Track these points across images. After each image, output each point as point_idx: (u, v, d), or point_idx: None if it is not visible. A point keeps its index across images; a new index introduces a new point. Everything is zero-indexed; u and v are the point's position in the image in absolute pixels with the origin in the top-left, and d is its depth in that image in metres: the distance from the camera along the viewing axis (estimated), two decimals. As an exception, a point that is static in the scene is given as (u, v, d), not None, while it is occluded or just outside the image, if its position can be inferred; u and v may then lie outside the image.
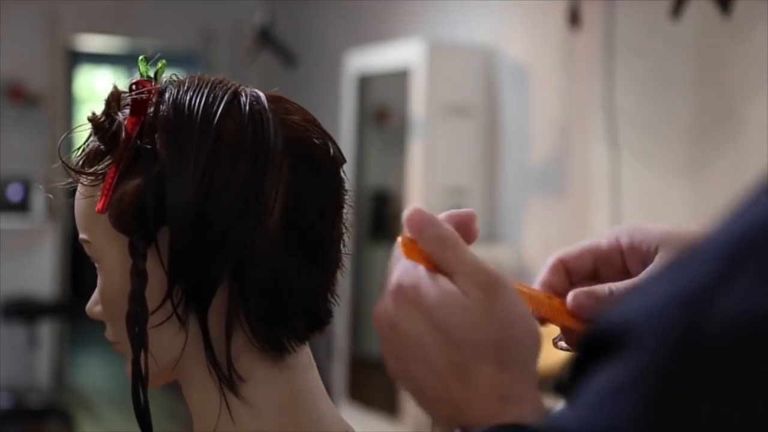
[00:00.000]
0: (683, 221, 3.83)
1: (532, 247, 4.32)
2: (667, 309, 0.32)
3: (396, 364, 0.62)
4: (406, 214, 0.63)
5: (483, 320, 0.60)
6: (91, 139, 0.78)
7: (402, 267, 0.62)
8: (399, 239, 0.64)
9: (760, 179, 0.35)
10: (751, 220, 0.33)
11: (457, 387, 0.59)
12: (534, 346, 0.61)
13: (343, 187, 0.79)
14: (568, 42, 4.01)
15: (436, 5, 5.02)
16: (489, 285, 0.61)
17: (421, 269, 0.62)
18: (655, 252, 0.70)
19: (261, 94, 0.77)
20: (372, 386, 5.40)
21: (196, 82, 0.77)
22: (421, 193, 4.51)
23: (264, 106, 0.76)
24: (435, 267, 0.62)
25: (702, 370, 0.30)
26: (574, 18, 3.72)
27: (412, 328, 0.60)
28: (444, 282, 0.61)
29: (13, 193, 5.83)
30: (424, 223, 0.63)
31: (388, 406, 4.79)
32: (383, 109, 5.37)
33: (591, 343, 0.34)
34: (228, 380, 0.75)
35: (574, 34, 3.84)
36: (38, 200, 5.81)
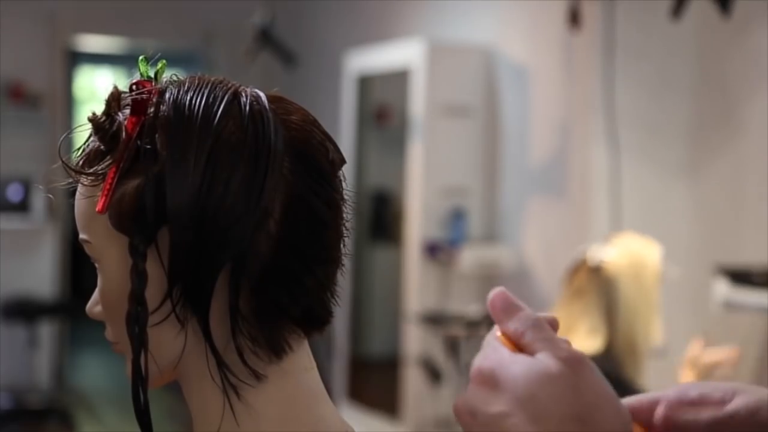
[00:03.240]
0: (683, 221, 3.83)
1: (532, 247, 4.32)
2: None
3: None
4: (490, 297, 0.63)
5: (569, 393, 0.58)
6: (92, 139, 0.78)
7: (482, 352, 0.61)
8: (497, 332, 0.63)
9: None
10: None
11: None
12: (619, 426, 0.58)
13: (343, 187, 0.79)
14: (568, 42, 4.01)
15: (436, 5, 5.02)
16: (573, 360, 0.60)
17: (502, 350, 0.61)
18: None
19: (261, 94, 0.77)
20: (372, 386, 5.40)
21: (197, 82, 0.77)
22: (421, 193, 4.51)
23: (264, 106, 0.76)
24: (518, 348, 0.62)
25: None
26: (574, 18, 3.72)
27: (494, 410, 0.59)
28: (525, 358, 0.60)
29: (13, 193, 5.83)
30: (508, 305, 0.63)
31: (388, 406, 4.78)
32: (383, 109, 5.37)
33: None
34: (230, 381, 0.75)
35: (574, 34, 3.84)
36: (38, 200, 5.81)
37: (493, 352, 0.61)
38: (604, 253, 3.43)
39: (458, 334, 4.17)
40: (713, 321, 3.50)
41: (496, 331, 0.64)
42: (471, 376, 0.60)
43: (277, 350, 0.76)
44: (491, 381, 0.60)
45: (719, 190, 3.69)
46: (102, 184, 0.75)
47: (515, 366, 0.59)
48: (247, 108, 0.75)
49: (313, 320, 0.78)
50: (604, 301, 3.31)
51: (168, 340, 0.76)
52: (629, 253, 3.37)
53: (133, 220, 0.73)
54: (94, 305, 0.81)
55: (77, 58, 8.03)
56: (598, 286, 3.34)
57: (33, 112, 5.91)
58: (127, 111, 0.76)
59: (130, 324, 0.74)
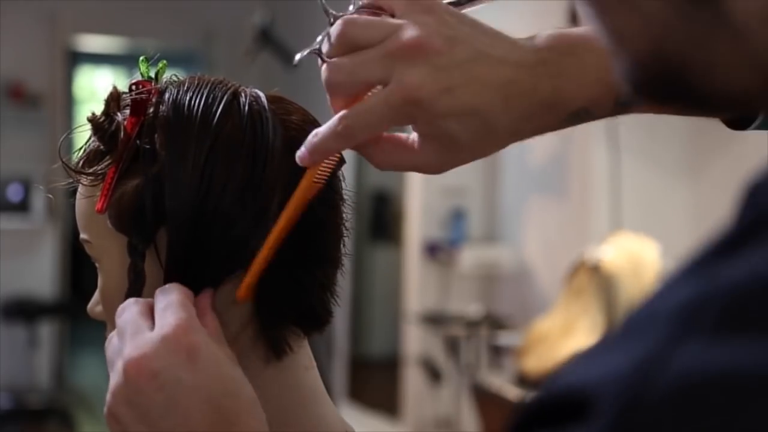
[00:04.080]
0: (683, 221, 3.83)
1: (532, 247, 4.32)
2: (619, 375, 0.31)
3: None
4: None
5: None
6: (92, 139, 0.78)
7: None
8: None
9: (695, 250, 0.34)
10: (703, 286, 0.32)
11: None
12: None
13: (342, 187, 0.79)
14: (568, 42, 4.00)
15: (436, 5, 5.01)
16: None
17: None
18: None
19: (261, 94, 0.77)
20: (372, 386, 5.40)
21: (196, 82, 0.77)
22: (420, 193, 4.52)
23: (263, 107, 0.76)
24: None
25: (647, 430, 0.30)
26: (574, 18, 3.72)
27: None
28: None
29: (13, 193, 5.83)
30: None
31: (388, 406, 4.79)
32: (383, 109, 5.36)
33: (541, 407, 0.34)
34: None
35: (574, 34, 3.83)
36: (38, 200, 5.81)
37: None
38: (602, 252, 3.43)
39: (458, 334, 4.17)
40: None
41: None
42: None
43: (276, 350, 0.76)
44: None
45: (719, 190, 3.69)
46: (102, 184, 0.75)
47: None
48: (246, 108, 0.75)
49: (313, 320, 0.78)
50: (604, 300, 3.30)
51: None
52: (627, 251, 3.37)
53: (132, 219, 0.73)
54: (95, 305, 0.81)
55: (77, 58, 8.03)
56: (597, 285, 3.35)
57: (33, 112, 5.91)
58: (127, 111, 0.76)
59: (129, 324, 0.74)
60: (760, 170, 0.35)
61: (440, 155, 0.70)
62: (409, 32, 0.66)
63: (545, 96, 0.68)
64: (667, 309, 0.32)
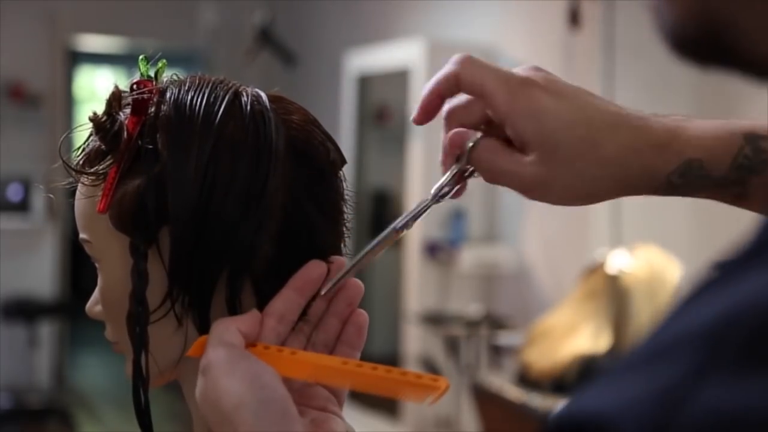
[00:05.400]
0: (684, 221, 3.83)
1: (532, 247, 4.31)
2: (642, 405, 0.31)
3: None
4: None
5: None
6: (92, 138, 0.78)
7: None
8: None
9: (719, 263, 0.33)
10: (724, 307, 0.31)
11: None
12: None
13: (343, 187, 0.79)
14: (568, 42, 4.00)
15: (436, 5, 5.02)
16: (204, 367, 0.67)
17: None
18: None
19: (262, 93, 0.77)
20: (372, 386, 5.39)
21: (197, 81, 0.77)
22: (420, 193, 4.51)
23: (265, 106, 0.75)
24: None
25: None
26: (574, 18, 3.72)
27: None
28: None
29: (13, 193, 5.83)
30: None
31: (388, 406, 4.78)
32: (383, 109, 5.37)
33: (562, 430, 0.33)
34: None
35: (574, 33, 3.84)
36: (38, 200, 5.81)
37: None
38: (624, 261, 3.41)
39: (458, 334, 4.17)
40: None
41: None
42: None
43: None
44: None
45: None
46: (103, 184, 0.75)
47: None
48: (248, 107, 0.75)
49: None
50: (615, 309, 3.29)
51: (167, 340, 0.76)
52: (649, 267, 3.35)
53: (133, 220, 0.73)
54: (93, 305, 0.81)
55: (77, 58, 8.02)
56: (612, 292, 3.33)
57: (33, 112, 5.90)
58: (128, 111, 0.75)
59: (130, 324, 0.74)
60: None
61: (539, 163, 0.75)
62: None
63: (657, 136, 0.72)
64: (690, 332, 0.31)
